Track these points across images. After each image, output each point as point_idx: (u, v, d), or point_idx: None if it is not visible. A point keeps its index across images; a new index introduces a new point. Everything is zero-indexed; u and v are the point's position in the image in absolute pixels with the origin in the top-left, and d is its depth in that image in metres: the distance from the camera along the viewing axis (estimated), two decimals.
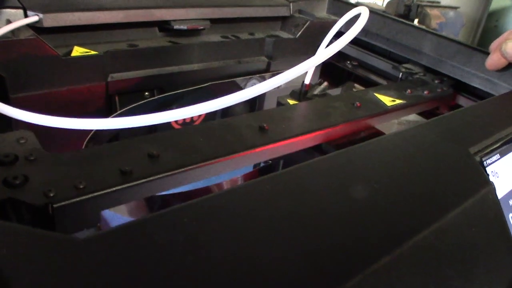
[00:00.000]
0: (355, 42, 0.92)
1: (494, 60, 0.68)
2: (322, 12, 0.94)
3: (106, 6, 0.67)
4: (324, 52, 0.45)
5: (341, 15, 0.92)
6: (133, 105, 0.68)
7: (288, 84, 0.47)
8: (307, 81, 0.65)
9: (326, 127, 0.53)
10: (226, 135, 0.47)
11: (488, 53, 0.71)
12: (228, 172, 0.46)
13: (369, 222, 0.31)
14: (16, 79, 0.58)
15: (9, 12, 0.61)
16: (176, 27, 0.71)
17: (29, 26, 0.60)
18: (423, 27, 0.93)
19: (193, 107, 0.40)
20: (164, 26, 0.73)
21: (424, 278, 0.30)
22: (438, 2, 2.60)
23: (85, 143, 0.61)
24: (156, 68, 0.70)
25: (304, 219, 0.31)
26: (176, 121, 0.78)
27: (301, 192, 0.34)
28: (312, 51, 0.89)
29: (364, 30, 0.91)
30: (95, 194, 0.36)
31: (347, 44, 0.91)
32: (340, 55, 0.94)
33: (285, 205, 0.32)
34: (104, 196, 0.36)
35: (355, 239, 0.30)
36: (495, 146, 0.44)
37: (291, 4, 0.87)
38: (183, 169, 0.41)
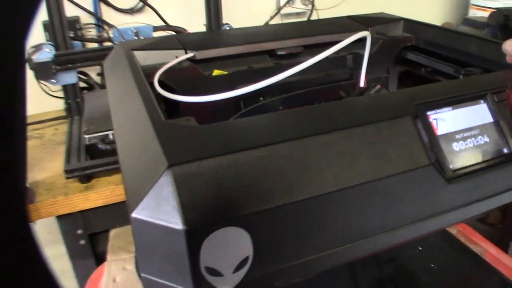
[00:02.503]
0: (419, 50, 1.14)
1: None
2: (398, 32, 1.18)
3: (233, 42, 1.03)
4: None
5: (415, 33, 1.15)
6: (253, 106, 1.01)
7: None
8: (361, 83, 0.90)
9: None
10: None
11: None
12: None
13: None
14: (182, 91, 0.97)
15: (176, 52, 1.01)
16: (279, 53, 1.04)
17: (189, 59, 0.99)
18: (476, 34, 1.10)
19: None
20: (271, 53, 1.06)
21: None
22: None
23: None
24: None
25: None
26: None
27: None
28: (387, 63, 1.14)
29: (432, 43, 1.12)
30: None
31: (418, 54, 1.13)
32: (406, 61, 1.16)
33: None
34: None
35: None
36: (441, 101, 0.65)
37: (369, 28, 1.14)
38: None
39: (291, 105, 1.10)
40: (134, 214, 0.45)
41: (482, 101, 0.68)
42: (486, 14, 2.13)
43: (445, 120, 0.63)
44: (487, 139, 0.64)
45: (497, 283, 1.10)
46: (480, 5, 2.49)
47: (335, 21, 1.20)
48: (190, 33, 1.31)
